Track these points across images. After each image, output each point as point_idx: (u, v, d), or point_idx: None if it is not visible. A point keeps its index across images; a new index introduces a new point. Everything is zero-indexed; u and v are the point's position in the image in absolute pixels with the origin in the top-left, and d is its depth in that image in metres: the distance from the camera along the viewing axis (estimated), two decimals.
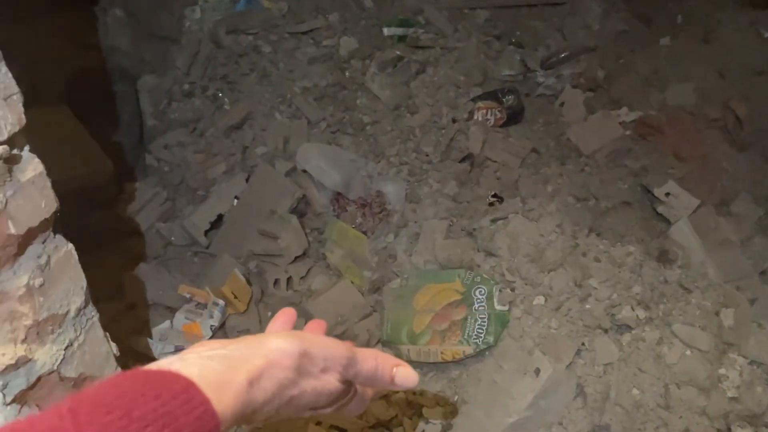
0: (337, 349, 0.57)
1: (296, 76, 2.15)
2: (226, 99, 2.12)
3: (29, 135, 0.76)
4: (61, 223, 0.84)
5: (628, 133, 2.16)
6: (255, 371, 0.49)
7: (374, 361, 0.60)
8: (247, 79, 2.14)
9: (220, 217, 1.91)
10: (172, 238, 1.94)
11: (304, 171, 1.90)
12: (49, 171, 0.83)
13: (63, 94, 2.24)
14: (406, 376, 0.63)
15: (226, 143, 2.08)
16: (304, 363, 0.53)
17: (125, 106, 2.20)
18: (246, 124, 2.10)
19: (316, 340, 0.56)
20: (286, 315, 0.69)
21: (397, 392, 1.46)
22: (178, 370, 0.45)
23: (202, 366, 0.46)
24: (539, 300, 1.54)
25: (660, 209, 1.89)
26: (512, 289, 1.57)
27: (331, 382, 0.56)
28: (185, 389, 0.43)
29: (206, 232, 1.90)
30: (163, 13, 2.43)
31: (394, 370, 0.62)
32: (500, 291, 1.55)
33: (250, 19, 2.24)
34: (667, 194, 1.89)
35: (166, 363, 0.47)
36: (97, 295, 0.90)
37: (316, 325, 0.71)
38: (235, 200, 1.92)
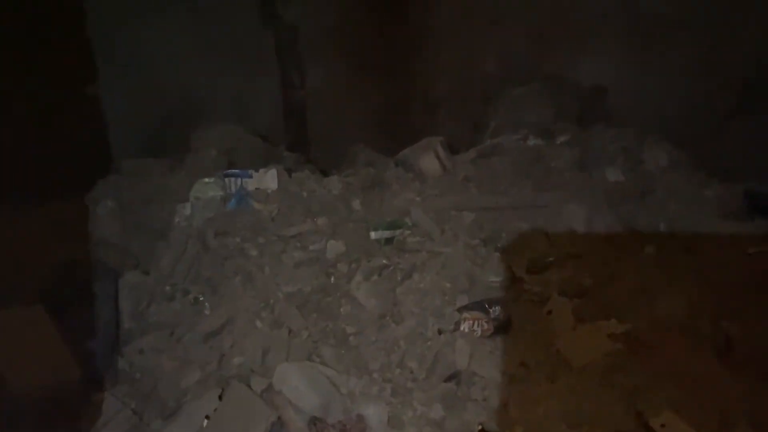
0: None
1: (281, 280, 2.12)
2: (207, 304, 2.08)
3: None
4: None
5: (618, 346, 2.10)
6: None
7: None
8: (231, 283, 2.12)
9: None
10: None
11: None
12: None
13: (42, 291, 2.20)
14: None
15: (203, 350, 2.00)
16: None
17: (104, 306, 2.15)
18: (225, 330, 2.03)
19: None
20: None
21: None
22: None
23: None
24: None
25: None
26: None
27: None
28: None
29: None
30: (154, 207, 2.47)
31: None
32: None
33: (240, 221, 2.27)
34: (663, 425, 1.79)
35: None
36: None
37: None
38: (206, 420, 1.80)
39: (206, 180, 2.44)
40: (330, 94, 5.03)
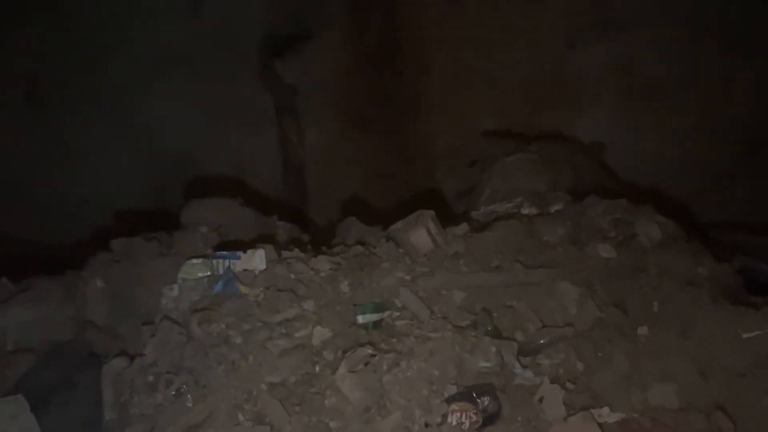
0: None
1: (265, 370, 2.09)
2: (189, 395, 2.05)
3: None
4: None
5: None
6: None
7: None
8: (214, 373, 2.09)
9: None
10: None
11: None
12: None
13: (21, 381, 2.18)
14: None
15: None
16: None
17: (86, 397, 2.12)
18: (207, 424, 1.99)
19: None
20: None
21: None
22: None
23: None
24: None
25: None
26: None
27: None
28: None
29: None
30: (142, 290, 2.46)
31: None
32: None
33: (225, 306, 2.25)
34: None
35: None
36: None
37: None
38: None
39: (194, 261, 2.44)
40: (328, 153, 5.10)
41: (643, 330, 2.39)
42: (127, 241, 2.64)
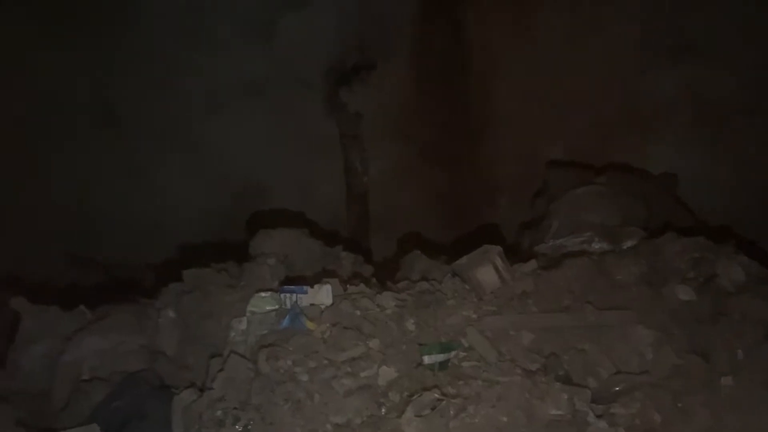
0: None
1: (330, 410, 2.08)
2: None
3: None
4: None
5: None
6: None
7: None
8: (280, 411, 2.09)
9: None
10: None
11: None
12: None
13: (95, 410, 2.24)
14: None
15: None
16: None
17: (157, 428, 2.16)
18: None
19: None
20: None
21: None
22: None
23: None
24: None
25: None
26: None
27: None
28: None
29: None
30: (210, 321, 2.50)
31: None
32: None
33: (292, 342, 2.25)
34: None
35: None
36: None
37: None
38: None
39: (262, 294, 2.46)
40: (392, 180, 5.11)
41: (726, 380, 2.26)
42: (197, 272, 2.70)
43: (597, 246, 3.14)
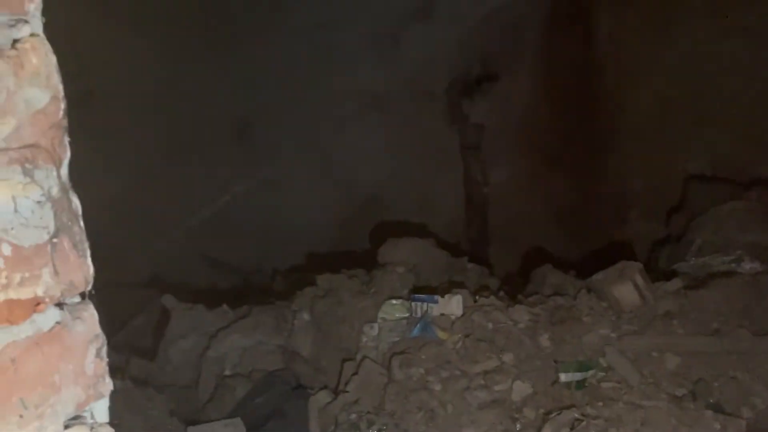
0: None
1: (464, 421, 2.06)
2: None
3: None
4: None
5: None
6: None
7: None
8: (414, 418, 2.10)
9: None
10: None
11: None
12: None
13: (238, 405, 2.36)
14: None
15: None
16: None
17: (295, 426, 2.24)
18: None
19: None
20: None
21: None
22: None
23: None
24: None
25: None
26: None
27: None
28: None
29: None
30: (344, 326, 2.57)
31: None
32: None
33: (424, 351, 2.26)
34: None
35: None
36: None
37: None
38: None
39: (393, 302, 2.50)
40: (514, 191, 5.02)
41: None
42: (331, 277, 2.79)
43: (748, 266, 2.89)
